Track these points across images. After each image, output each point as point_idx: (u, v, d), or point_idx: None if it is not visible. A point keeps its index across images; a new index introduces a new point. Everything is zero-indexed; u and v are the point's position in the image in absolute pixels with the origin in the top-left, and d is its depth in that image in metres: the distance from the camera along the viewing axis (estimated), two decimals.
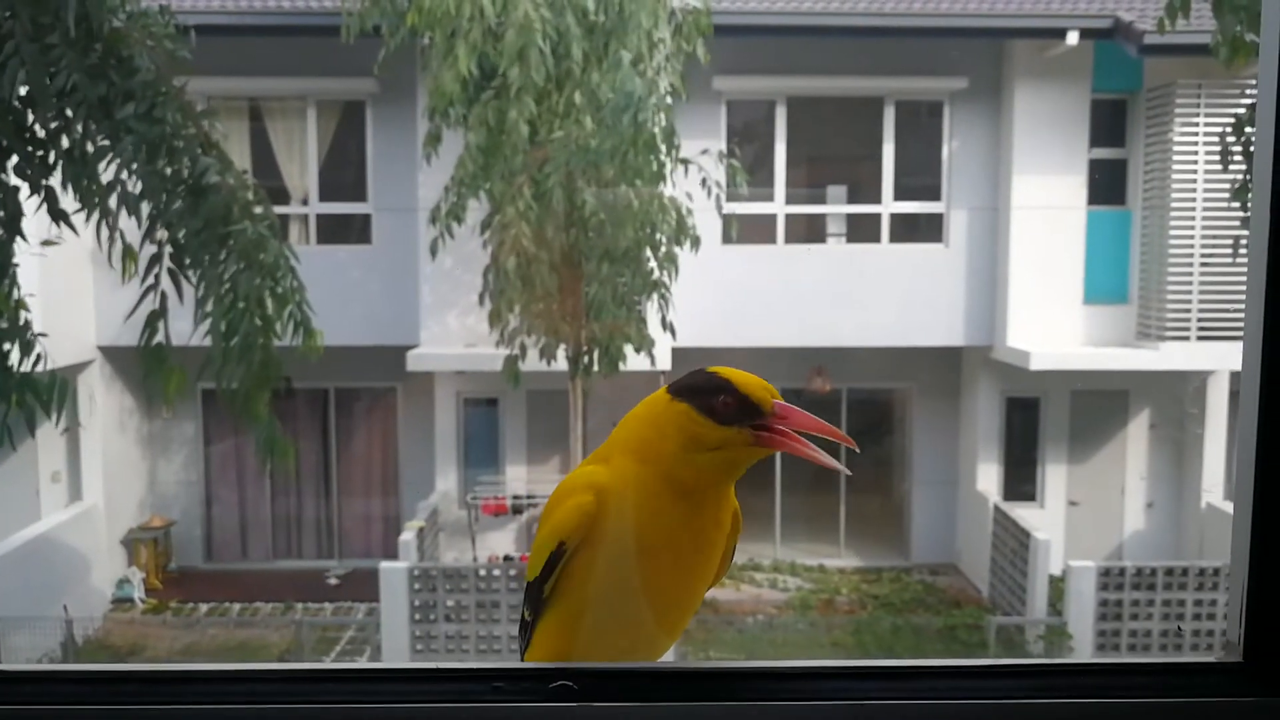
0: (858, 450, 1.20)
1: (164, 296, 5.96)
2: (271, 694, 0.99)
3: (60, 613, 9.83)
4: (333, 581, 11.85)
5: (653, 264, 9.19)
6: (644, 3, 8.67)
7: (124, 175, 5.72)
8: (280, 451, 6.24)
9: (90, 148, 5.73)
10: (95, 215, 5.72)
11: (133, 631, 10.53)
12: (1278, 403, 1.00)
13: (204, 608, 11.07)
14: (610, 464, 1.23)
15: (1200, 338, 10.75)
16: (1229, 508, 9.66)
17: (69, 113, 5.56)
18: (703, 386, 1.19)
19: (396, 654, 9.27)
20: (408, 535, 9.96)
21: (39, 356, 5.62)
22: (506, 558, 11.28)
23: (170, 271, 5.99)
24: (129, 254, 5.80)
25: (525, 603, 1.31)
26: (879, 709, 1.00)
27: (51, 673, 1.04)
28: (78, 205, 5.70)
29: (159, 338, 5.89)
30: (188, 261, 5.96)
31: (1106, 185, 11.47)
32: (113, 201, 5.71)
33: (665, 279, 9.24)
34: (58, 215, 5.68)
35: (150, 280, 5.97)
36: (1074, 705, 1.03)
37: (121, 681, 1.01)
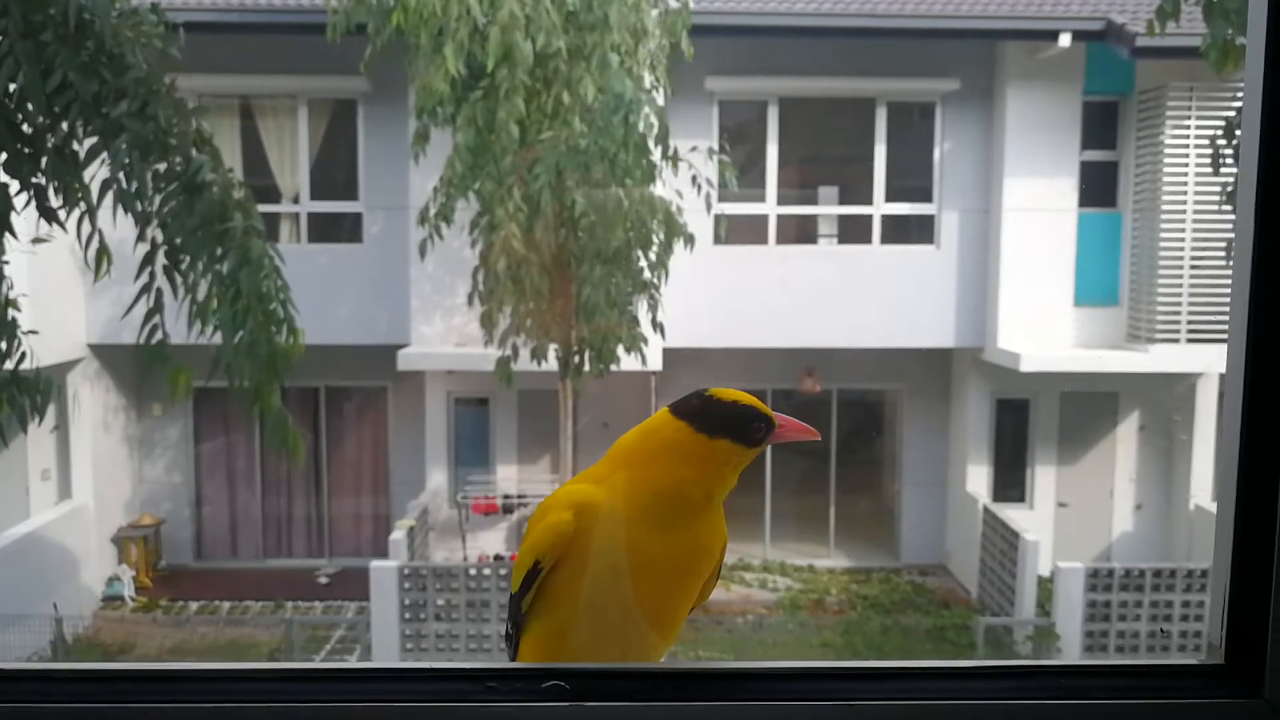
0: (818, 439, 1.30)
1: (159, 294, 5.95)
2: (265, 693, 1.00)
3: (50, 611, 9.81)
4: (323, 580, 11.84)
5: (643, 264, 9.19)
6: None
7: (118, 174, 5.71)
8: (293, 445, 6.25)
9: (77, 145, 5.72)
10: (77, 213, 5.71)
11: (123, 630, 10.51)
12: (1261, 404, 1.01)
13: (194, 606, 11.05)
14: (607, 483, 1.23)
15: (1190, 340, 10.78)
16: None
17: (57, 110, 5.55)
18: (736, 417, 1.24)
19: (386, 653, 9.27)
20: (398, 534, 9.95)
21: (24, 354, 5.61)
22: (497, 557, 11.29)
23: (166, 269, 5.99)
24: (104, 253, 5.78)
25: (508, 614, 1.32)
26: (867, 709, 1.01)
27: (46, 671, 1.05)
28: (60, 203, 5.68)
29: (159, 336, 5.89)
30: (184, 260, 5.96)
31: (1097, 187, 11.51)
32: (108, 200, 5.70)
33: (655, 279, 9.23)
34: (47, 214, 5.66)
35: (145, 278, 5.96)
36: (1058, 706, 1.04)
37: (115, 680, 1.01)
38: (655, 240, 9.05)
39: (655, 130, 8.70)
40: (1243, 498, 1.03)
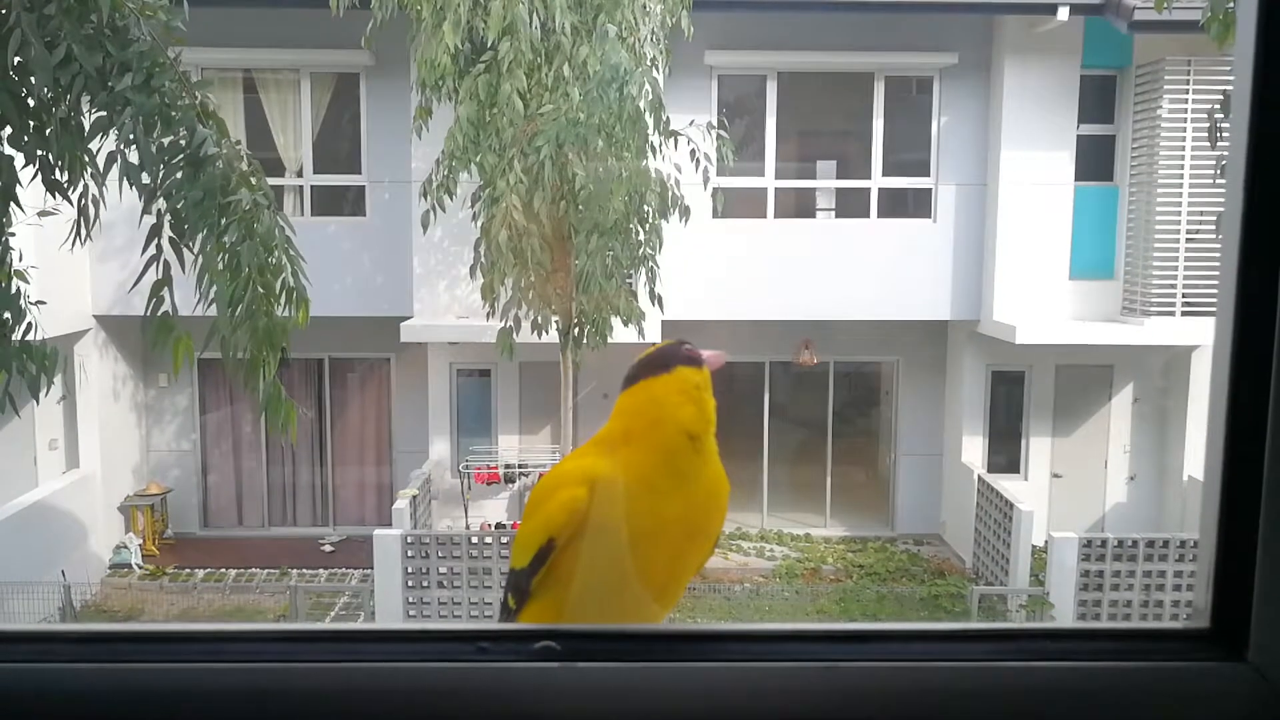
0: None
1: (167, 266, 5.97)
2: (263, 653, 0.99)
3: (58, 578, 9.91)
4: (327, 548, 11.94)
5: (640, 237, 9.20)
6: None
7: (123, 147, 5.73)
8: (286, 417, 6.27)
9: (82, 119, 5.73)
10: (82, 186, 5.72)
11: (130, 596, 10.61)
12: (1248, 369, 1.02)
13: (200, 573, 11.16)
14: (615, 455, 1.21)
15: (1185, 313, 10.82)
16: None
17: (62, 83, 5.55)
18: (690, 351, 1.25)
19: (390, 619, 9.37)
20: (401, 503, 10.04)
21: (31, 325, 5.65)
22: (498, 525, 11.40)
23: (171, 241, 6.01)
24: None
25: (509, 589, 1.30)
26: (846, 669, 1.02)
27: (49, 633, 1.06)
28: (65, 176, 5.69)
29: (165, 307, 5.90)
30: (187, 231, 5.97)
31: (1094, 161, 11.51)
32: (113, 173, 5.72)
33: (652, 251, 9.25)
34: (53, 186, 5.69)
35: (152, 250, 5.99)
36: (1041, 668, 1.02)
37: (117, 641, 1.02)
38: (649, 212, 9.07)
39: (650, 102, 8.68)
40: (1229, 461, 1.03)
